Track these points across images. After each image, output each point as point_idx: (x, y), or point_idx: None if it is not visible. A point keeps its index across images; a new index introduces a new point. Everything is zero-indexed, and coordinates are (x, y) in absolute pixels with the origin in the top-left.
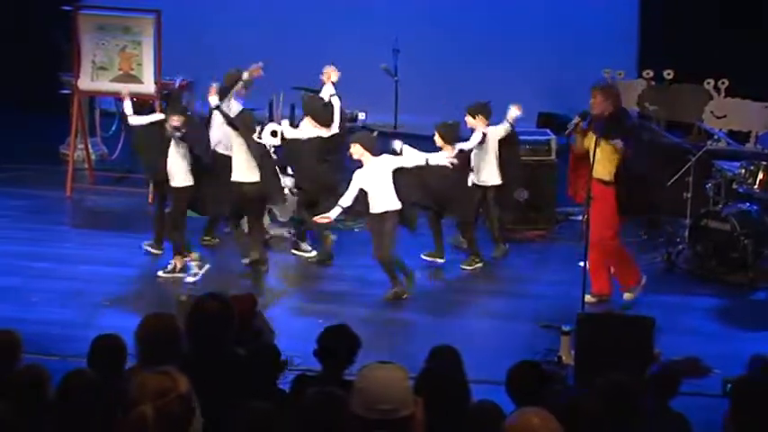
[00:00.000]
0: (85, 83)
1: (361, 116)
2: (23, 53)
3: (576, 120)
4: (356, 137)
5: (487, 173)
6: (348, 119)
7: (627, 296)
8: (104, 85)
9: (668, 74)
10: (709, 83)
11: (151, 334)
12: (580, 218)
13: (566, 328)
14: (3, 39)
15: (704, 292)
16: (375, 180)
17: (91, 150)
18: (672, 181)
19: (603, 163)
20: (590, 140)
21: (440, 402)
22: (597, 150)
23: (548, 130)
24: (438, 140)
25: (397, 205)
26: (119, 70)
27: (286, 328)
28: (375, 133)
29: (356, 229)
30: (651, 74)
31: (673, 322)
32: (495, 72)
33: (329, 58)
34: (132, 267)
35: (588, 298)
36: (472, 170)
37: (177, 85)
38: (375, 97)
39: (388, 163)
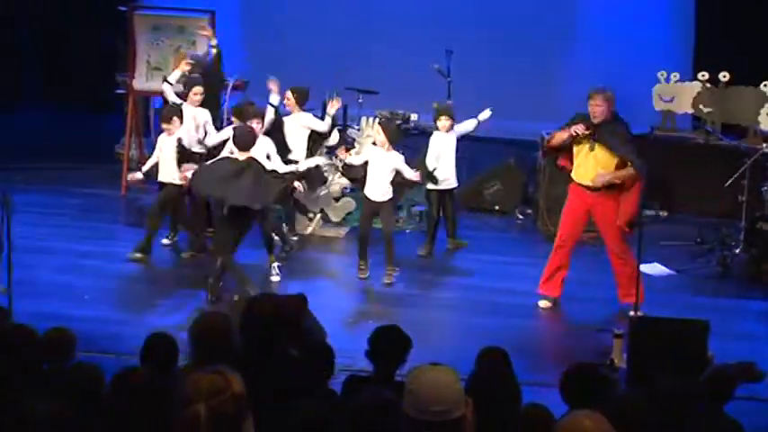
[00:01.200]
0: (140, 83)
1: (414, 117)
2: (80, 53)
3: (583, 128)
4: (383, 123)
5: (448, 175)
6: (401, 119)
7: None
8: (159, 85)
9: (724, 76)
10: (765, 85)
11: (204, 333)
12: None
13: (618, 331)
14: (59, 39)
15: (759, 295)
16: (380, 168)
17: (145, 150)
18: (727, 184)
19: (596, 169)
20: (580, 145)
21: (490, 404)
22: (590, 156)
23: None
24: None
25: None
26: (173, 70)
27: (336, 328)
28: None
29: (407, 231)
30: (707, 76)
31: (727, 326)
32: (548, 73)
33: (382, 59)
34: (186, 267)
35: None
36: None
37: (231, 84)
38: (427, 98)
39: (395, 161)
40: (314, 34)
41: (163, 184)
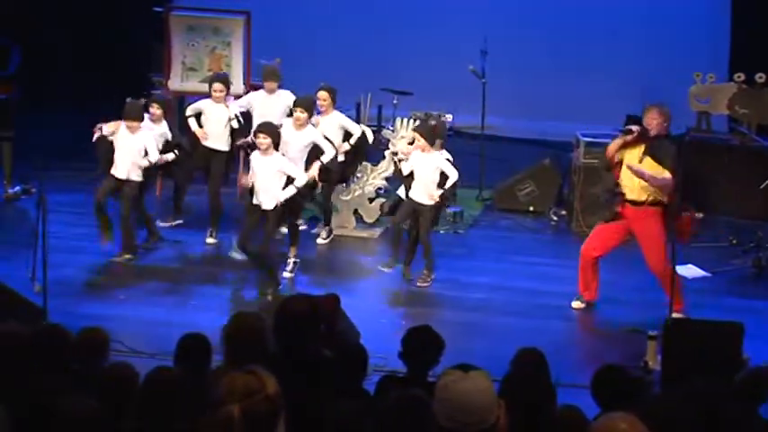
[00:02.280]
0: (175, 83)
1: (449, 118)
2: (115, 54)
3: (636, 130)
4: (417, 128)
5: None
6: (436, 119)
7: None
8: (194, 85)
9: (760, 77)
10: None
11: (238, 333)
12: None
13: (652, 333)
14: (95, 40)
15: None
16: (423, 170)
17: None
18: (763, 186)
19: (642, 184)
20: (631, 156)
21: (524, 406)
22: (639, 166)
23: None
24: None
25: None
26: (208, 71)
27: (369, 328)
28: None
29: (441, 232)
30: (742, 77)
31: (762, 328)
32: (584, 74)
33: (417, 60)
34: (220, 266)
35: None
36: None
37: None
38: (462, 99)
39: (437, 161)
40: (347, 35)
41: (121, 182)
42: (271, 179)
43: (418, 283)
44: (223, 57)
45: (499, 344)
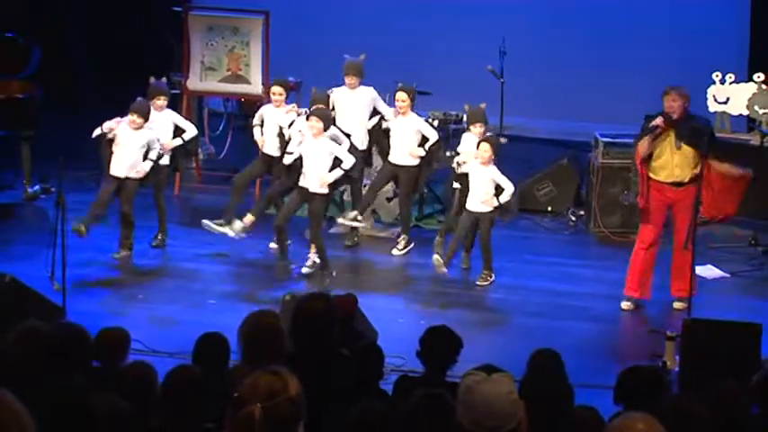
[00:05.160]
0: (194, 83)
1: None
2: (134, 54)
3: (662, 121)
4: (490, 138)
5: None
6: (454, 120)
7: (677, 304)
8: (213, 85)
9: None
10: None
11: (254, 332)
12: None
13: (671, 333)
14: (114, 39)
15: None
16: (479, 181)
17: (199, 150)
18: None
19: (682, 166)
20: (663, 143)
21: (543, 406)
22: (676, 154)
23: None
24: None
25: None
26: (227, 71)
27: (387, 328)
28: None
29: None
30: (762, 77)
31: None
32: (602, 75)
33: (435, 59)
34: (239, 266)
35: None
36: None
37: None
38: (480, 99)
39: (493, 173)
40: (365, 35)
41: (120, 180)
42: (320, 161)
43: (478, 282)
44: (242, 57)
45: (517, 344)
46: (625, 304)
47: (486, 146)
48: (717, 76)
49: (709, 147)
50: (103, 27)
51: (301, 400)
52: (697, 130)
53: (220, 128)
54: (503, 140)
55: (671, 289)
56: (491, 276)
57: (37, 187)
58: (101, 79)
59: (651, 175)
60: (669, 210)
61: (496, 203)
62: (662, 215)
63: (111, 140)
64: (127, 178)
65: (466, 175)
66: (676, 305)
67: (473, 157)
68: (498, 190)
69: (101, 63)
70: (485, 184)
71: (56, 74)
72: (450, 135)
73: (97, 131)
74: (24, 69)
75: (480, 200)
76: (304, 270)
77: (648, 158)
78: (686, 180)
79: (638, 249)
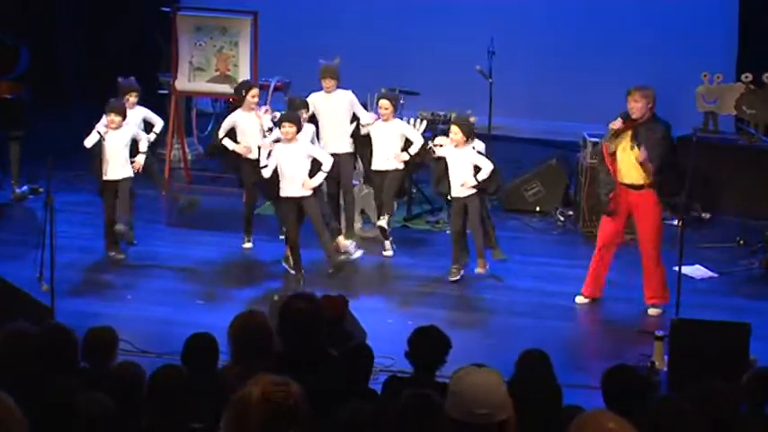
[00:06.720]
0: (183, 83)
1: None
2: (123, 54)
3: (620, 123)
4: (458, 119)
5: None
6: (442, 120)
7: (651, 311)
8: (201, 85)
9: (767, 77)
10: None
11: (243, 332)
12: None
13: (659, 334)
14: (102, 39)
15: None
16: (458, 166)
17: (187, 150)
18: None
19: (639, 168)
20: (623, 144)
21: (531, 406)
22: (630, 154)
23: None
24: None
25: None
26: (215, 71)
27: (376, 328)
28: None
29: (447, 232)
30: (750, 77)
31: None
32: (591, 74)
33: (423, 60)
34: (226, 266)
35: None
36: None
37: (273, 86)
38: (469, 99)
39: (471, 156)
40: (353, 34)
41: (116, 182)
42: (298, 166)
43: (477, 269)
44: (230, 57)
45: (506, 344)
46: (578, 298)
47: (454, 128)
48: (705, 76)
49: (662, 153)
50: (92, 27)
51: (301, 403)
52: (652, 132)
53: (209, 128)
54: (472, 119)
55: (644, 296)
56: (487, 263)
57: (25, 188)
58: (89, 80)
59: (617, 178)
60: (630, 216)
61: (474, 182)
62: (621, 219)
63: (101, 151)
64: (122, 179)
65: (443, 159)
66: (651, 312)
67: (446, 141)
68: (477, 171)
69: (89, 63)
70: (463, 167)
71: (44, 74)
72: (437, 135)
73: (93, 138)
74: (13, 70)
75: (460, 183)
76: (292, 270)
77: (613, 158)
78: (643, 183)
79: (596, 249)
